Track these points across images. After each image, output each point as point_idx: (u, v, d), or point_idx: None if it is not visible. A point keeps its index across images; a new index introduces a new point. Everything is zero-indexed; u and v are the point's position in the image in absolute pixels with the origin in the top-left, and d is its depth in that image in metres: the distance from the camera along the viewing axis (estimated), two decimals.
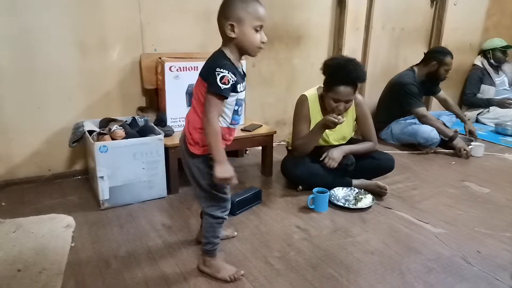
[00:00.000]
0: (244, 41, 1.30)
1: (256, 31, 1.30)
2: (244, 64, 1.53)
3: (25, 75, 2.15)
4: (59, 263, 1.55)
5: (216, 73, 1.26)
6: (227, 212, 1.47)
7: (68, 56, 2.23)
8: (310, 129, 2.20)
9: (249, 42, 1.30)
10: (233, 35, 1.29)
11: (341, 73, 2.02)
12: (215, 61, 1.30)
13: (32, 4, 2.08)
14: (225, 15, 1.29)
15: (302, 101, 2.23)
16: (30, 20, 2.09)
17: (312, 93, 2.24)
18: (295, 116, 2.25)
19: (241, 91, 1.36)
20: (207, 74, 1.29)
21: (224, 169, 1.31)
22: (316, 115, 2.22)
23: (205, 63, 1.34)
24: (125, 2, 2.31)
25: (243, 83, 1.38)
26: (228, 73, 1.27)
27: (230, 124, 1.39)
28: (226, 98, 1.30)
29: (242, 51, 1.34)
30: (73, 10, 2.18)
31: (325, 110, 2.20)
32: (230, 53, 1.33)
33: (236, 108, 1.37)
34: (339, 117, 2.02)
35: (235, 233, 1.78)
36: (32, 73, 2.16)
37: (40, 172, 2.32)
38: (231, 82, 1.28)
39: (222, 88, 1.26)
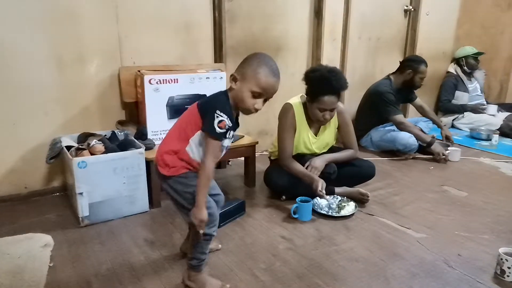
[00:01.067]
0: (239, 97, 1.32)
1: (253, 96, 1.30)
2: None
3: None
4: (37, 284, 1.49)
5: (216, 115, 1.26)
6: (215, 228, 1.43)
7: (44, 71, 2.18)
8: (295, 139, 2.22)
9: (241, 101, 1.31)
10: (233, 85, 1.32)
11: (325, 84, 2.06)
12: (218, 102, 1.31)
13: (7, 18, 2.03)
14: (239, 67, 1.34)
15: (287, 109, 2.24)
16: (4, 34, 2.05)
17: (296, 101, 2.26)
18: (280, 126, 2.25)
19: (229, 139, 1.35)
20: (206, 112, 1.29)
21: (201, 213, 1.32)
22: (301, 123, 2.24)
23: (208, 98, 1.37)
24: (102, 15, 2.28)
25: (233, 133, 1.38)
26: (227, 118, 1.28)
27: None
28: (221, 141, 1.31)
29: (236, 104, 1.35)
30: (49, 24, 2.15)
31: (309, 118, 2.23)
32: (231, 99, 1.34)
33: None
34: (324, 193, 2.04)
35: (220, 245, 1.76)
36: (7, 88, 2.11)
37: (16, 190, 2.25)
38: (227, 127, 1.28)
39: (219, 131, 1.27)
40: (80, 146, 2.01)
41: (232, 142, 2.37)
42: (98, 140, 2.04)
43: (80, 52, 2.26)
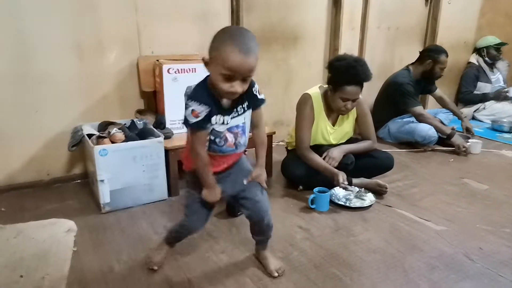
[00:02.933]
0: (213, 81, 1.20)
1: (225, 78, 1.16)
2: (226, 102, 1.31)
3: (22, 79, 2.14)
4: (62, 268, 1.53)
5: (187, 105, 1.22)
6: (189, 221, 1.47)
7: (65, 60, 2.22)
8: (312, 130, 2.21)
9: (216, 85, 1.19)
10: (206, 69, 1.22)
11: (351, 74, 2.03)
12: (192, 90, 1.26)
13: (29, 8, 2.07)
14: (208, 48, 1.20)
15: (305, 100, 2.21)
16: (26, 24, 2.08)
17: (315, 91, 2.23)
18: (299, 116, 2.23)
19: (216, 123, 1.26)
20: (185, 104, 1.24)
21: (209, 193, 1.36)
22: (319, 113, 2.22)
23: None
24: (122, 5, 2.30)
25: (225, 117, 1.27)
26: (199, 105, 1.20)
27: (209, 150, 1.32)
28: (202, 129, 1.24)
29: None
30: (70, 14, 2.18)
31: (328, 108, 2.22)
32: (211, 84, 1.24)
33: (212, 138, 1.30)
34: (346, 184, 2.05)
35: (276, 274, 1.52)
36: (29, 77, 2.15)
37: (39, 177, 2.31)
38: (201, 116, 1.20)
39: (191, 121, 1.21)
40: (101, 134, 2.05)
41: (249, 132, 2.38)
42: (118, 129, 2.08)
43: (100, 42, 2.29)
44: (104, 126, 2.20)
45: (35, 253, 1.62)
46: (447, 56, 3.13)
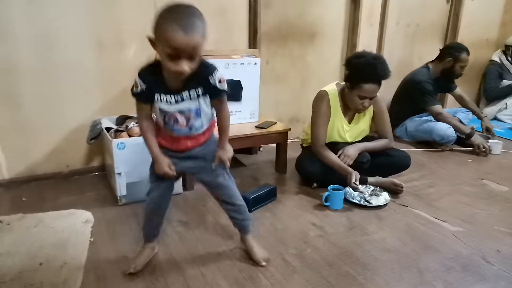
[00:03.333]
0: (161, 62, 1.19)
1: (170, 58, 1.14)
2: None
3: (44, 73, 2.19)
4: (79, 257, 1.58)
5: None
6: (149, 206, 1.52)
7: (86, 54, 2.26)
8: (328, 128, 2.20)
9: (164, 65, 1.19)
10: (154, 49, 1.19)
11: (370, 71, 2.01)
12: (141, 67, 1.30)
13: (52, 2, 2.11)
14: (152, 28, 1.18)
15: (322, 96, 2.20)
16: (49, 18, 2.13)
17: (332, 88, 2.22)
18: (315, 113, 2.22)
19: (158, 101, 1.29)
20: None
21: (156, 165, 1.41)
22: (336, 111, 2.21)
23: None
24: (141, 0, 2.32)
25: (172, 97, 1.28)
26: (139, 79, 1.26)
27: (164, 127, 1.36)
28: (141, 101, 1.32)
29: None
30: (91, 9, 2.21)
31: (344, 106, 2.20)
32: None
33: (162, 116, 1.33)
34: (358, 185, 2.04)
35: (263, 263, 1.56)
36: (51, 70, 2.20)
37: (59, 168, 2.37)
38: (139, 88, 1.27)
39: (132, 91, 1.30)
40: (119, 128, 2.08)
41: (265, 128, 2.38)
42: (136, 123, 2.10)
43: (120, 36, 2.32)
44: (122, 120, 2.24)
45: (54, 242, 1.67)
46: (468, 54, 3.06)
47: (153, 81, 1.27)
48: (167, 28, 1.10)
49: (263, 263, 1.56)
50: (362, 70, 2.04)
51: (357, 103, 2.10)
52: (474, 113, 3.32)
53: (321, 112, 2.18)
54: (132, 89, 1.31)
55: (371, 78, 2.03)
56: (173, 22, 1.10)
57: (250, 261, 1.58)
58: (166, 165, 1.40)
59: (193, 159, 1.44)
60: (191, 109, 1.32)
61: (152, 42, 1.17)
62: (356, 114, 2.26)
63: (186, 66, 1.16)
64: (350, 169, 2.09)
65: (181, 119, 1.33)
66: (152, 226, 1.57)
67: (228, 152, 1.45)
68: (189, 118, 1.34)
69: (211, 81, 1.28)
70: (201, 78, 1.27)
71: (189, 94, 1.30)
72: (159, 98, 1.30)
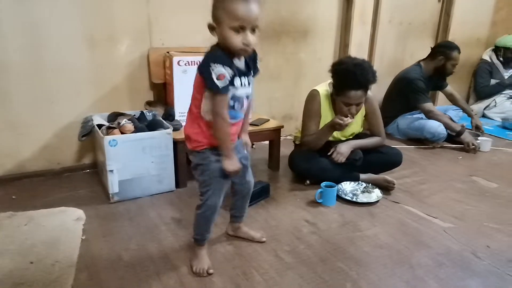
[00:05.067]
0: (225, 42, 1.23)
1: (237, 31, 1.20)
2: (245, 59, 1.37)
3: (34, 69, 2.16)
4: (71, 255, 1.56)
5: (211, 69, 1.21)
6: (207, 200, 1.42)
7: (77, 50, 2.23)
8: (320, 127, 2.20)
9: (229, 44, 1.22)
10: (214, 35, 1.25)
11: (351, 79, 2.00)
12: (210, 55, 1.26)
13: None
14: (211, 15, 1.25)
15: (313, 96, 2.21)
16: (39, 14, 2.10)
17: (323, 88, 2.22)
18: (305, 111, 2.24)
19: (238, 86, 1.29)
20: (203, 70, 1.25)
21: (231, 163, 1.36)
22: (326, 112, 2.21)
23: (203, 57, 1.29)
24: None
25: (243, 79, 1.31)
26: (223, 67, 1.21)
27: None
28: (227, 93, 1.26)
29: (229, 51, 1.25)
30: (82, 4, 2.18)
31: (335, 110, 2.21)
32: (224, 48, 1.26)
33: (232, 103, 1.31)
34: (346, 118, 2.01)
35: (264, 239, 1.70)
36: (41, 67, 2.17)
37: (50, 165, 2.34)
38: (228, 77, 1.23)
39: (220, 85, 1.22)
40: (111, 125, 2.06)
41: (258, 125, 2.39)
42: (128, 120, 2.09)
43: (111, 33, 2.29)
44: (114, 116, 2.22)
45: (45, 240, 1.65)
46: (459, 52, 3.09)
47: (231, 64, 1.25)
48: (230, 4, 1.18)
49: (264, 239, 1.69)
50: (343, 77, 2.03)
51: (343, 110, 2.08)
52: (464, 111, 3.37)
53: (311, 112, 2.21)
54: (215, 85, 1.22)
55: (352, 85, 2.00)
56: None
57: (243, 257, 1.57)
58: (238, 161, 1.38)
59: (235, 149, 1.44)
60: (251, 92, 1.38)
61: (212, 28, 1.24)
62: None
63: (251, 39, 1.22)
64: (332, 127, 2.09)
65: (245, 103, 1.38)
66: (208, 228, 1.50)
67: (248, 135, 1.55)
68: (249, 101, 1.40)
69: (257, 61, 1.38)
70: (253, 57, 1.36)
71: (252, 76, 1.36)
72: (237, 83, 1.28)
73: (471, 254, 1.65)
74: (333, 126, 2.06)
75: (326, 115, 2.21)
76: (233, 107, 1.33)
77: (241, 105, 1.36)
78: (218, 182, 1.41)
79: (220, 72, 1.21)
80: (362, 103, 2.10)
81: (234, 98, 1.31)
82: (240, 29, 1.20)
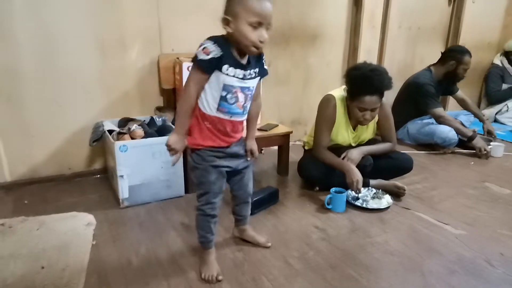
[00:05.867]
0: (239, 37, 1.24)
1: (254, 27, 1.22)
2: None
3: (47, 76, 2.19)
4: (82, 260, 1.57)
5: (201, 44, 1.25)
6: (206, 204, 1.43)
7: (88, 57, 2.27)
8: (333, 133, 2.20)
9: (244, 39, 1.23)
10: (228, 29, 1.25)
11: (367, 83, 1.99)
12: (211, 36, 1.27)
13: (53, 5, 2.12)
14: (225, 9, 1.26)
15: (328, 101, 2.17)
16: (51, 21, 2.13)
17: (339, 94, 2.19)
18: (319, 116, 2.20)
19: (228, 74, 1.28)
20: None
21: (172, 138, 1.34)
22: (341, 117, 2.19)
23: None
24: (144, 2, 2.33)
25: (240, 71, 1.30)
26: (213, 44, 1.23)
27: (218, 110, 1.32)
28: (206, 72, 1.26)
29: (239, 48, 1.28)
30: (93, 11, 2.22)
31: (350, 116, 2.19)
32: (232, 43, 1.28)
33: (224, 94, 1.30)
34: (360, 188, 2.04)
35: (269, 244, 1.70)
36: (54, 73, 2.20)
37: (61, 170, 2.37)
38: (212, 55, 1.23)
39: (199, 57, 1.24)
40: (121, 131, 2.08)
41: (267, 131, 2.39)
42: (138, 125, 2.11)
43: (122, 39, 2.32)
44: (124, 122, 2.24)
45: (56, 245, 1.67)
46: (470, 56, 3.06)
47: (226, 50, 1.26)
48: (250, 0, 1.21)
49: (269, 244, 1.69)
50: (358, 82, 2.02)
51: (358, 116, 2.08)
52: (475, 115, 3.32)
53: (326, 117, 2.17)
54: (196, 56, 1.25)
55: (368, 90, 2.00)
56: None
57: (253, 264, 1.57)
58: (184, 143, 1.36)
59: (236, 155, 1.45)
60: (250, 89, 1.36)
61: (227, 22, 1.24)
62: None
63: (266, 35, 1.25)
64: (352, 167, 2.07)
65: (241, 98, 1.34)
66: (211, 228, 1.49)
67: (255, 142, 1.52)
68: (247, 98, 1.37)
69: (263, 61, 1.39)
70: (258, 58, 1.37)
71: (253, 72, 1.35)
72: (228, 70, 1.27)
73: (484, 261, 1.62)
74: (348, 176, 2.05)
75: (341, 121, 2.20)
76: (225, 99, 1.31)
77: (234, 97, 1.32)
78: (214, 185, 1.41)
79: (206, 46, 1.24)
80: (377, 109, 2.08)
81: (225, 87, 1.30)
82: (258, 25, 1.22)
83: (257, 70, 1.37)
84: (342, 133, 2.23)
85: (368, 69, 2.02)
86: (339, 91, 2.22)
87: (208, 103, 1.32)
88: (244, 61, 1.32)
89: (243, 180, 1.54)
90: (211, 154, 1.39)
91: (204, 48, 1.24)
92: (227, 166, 1.43)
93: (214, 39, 1.26)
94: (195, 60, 1.26)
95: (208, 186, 1.41)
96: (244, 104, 1.36)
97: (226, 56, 1.26)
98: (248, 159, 1.51)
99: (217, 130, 1.36)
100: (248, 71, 1.33)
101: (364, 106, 2.03)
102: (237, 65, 1.30)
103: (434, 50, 3.50)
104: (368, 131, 2.30)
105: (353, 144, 2.29)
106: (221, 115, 1.34)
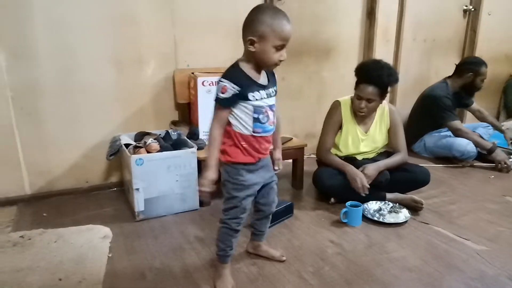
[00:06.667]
0: (262, 57, 1.30)
1: (277, 50, 1.29)
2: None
3: (66, 91, 2.25)
4: (98, 273, 1.58)
5: (218, 83, 1.32)
6: (234, 219, 1.44)
7: (105, 73, 2.32)
8: (341, 134, 2.28)
9: (267, 59, 1.30)
10: (252, 49, 1.29)
11: (363, 71, 2.14)
12: (226, 72, 1.34)
13: (73, 25, 2.19)
14: (249, 28, 1.29)
15: (335, 106, 2.31)
16: (71, 39, 2.20)
17: (345, 98, 2.31)
18: (326, 120, 2.34)
19: (256, 99, 1.34)
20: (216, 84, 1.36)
21: (204, 176, 1.35)
22: (348, 119, 2.28)
23: None
24: (160, 19, 2.39)
25: (264, 92, 1.36)
26: (229, 82, 1.29)
27: (254, 132, 1.37)
28: (227, 107, 1.32)
29: (259, 64, 1.34)
30: (110, 28, 2.28)
31: (354, 113, 2.26)
32: (246, 64, 1.34)
33: (256, 116, 1.35)
34: (366, 190, 2.08)
35: (284, 258, 1.69)
36: (72, 88, 2.27)
37: (78, 184, 2.41)
38: (231, 92, 1.29)
39: (219, 97, 1.31)
40: (137, 144, 2.11)
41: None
42: (154, 139, 2.14)
43: (138, 55, 2.38)
44: (140, 136, 2.28)
45: (73, 258, 1.69)
46: (486, 67, 3.03)
47: (244, 81, 1.32)
48: (280, 23, 1.26)
49: (284, 258, 1.68)
50: (358, 71, 2.17)
51: (356, 103, 2.18)
52: (494, 127, 3.26)
53: (331, 120, 2.30)
54: (216, 96, 1.32)
55: (365, 79, 2.12)
56: (283, 18, 1.28)
57: (267, 278, 1.55)
58: (213, 182, 1.36)
59: (266, 167, 1.50)
60: (274, 106, 1.42)
61: (253, 41, 1.28)
62: (373, 124, 2.27)
63: (285, 54, 1.32)
64: (349, 165, 2.14)
65: (271, 116, 1.40)
66: (234, 244, 1.51)
67: (281, 152, 1.60)
68: (274, 114, 1.43)
69: (276, 78, 1.45)
70: (273, 76, 1.44)
71: (273, 90, 1.41)
72: (254, 96, 1.34)
73: (507, 279, 1.56)
74: (349, 176, 2.11)
75: (348, 123, 2.28)
76: (258, 120, 1.37)
77: (266, 117, 1.38)
78: (244, 201, 1.43)
79: (224, 85, 1.30)
80: (374, 101, 2.14)
81: (256, 110, 1.35)
82: (281, 47, 1.29)
83: (275, 87, 1.43)
84: (352, 135, 2.28)
85: (371, 61, 2.21)
86: (346, 97, 2.31)
87: (244, 126, 1.37)
88: (264, 81, 1.38)
89: (270, 193, 1.57)
90: (244, 168, 1.41)
91: (222, 87, 1.30)
92: (259, 183, 1.47)
93: (229, 76, 1.31)
94: (216, 100, 1.33)
95: (237, 201, 1.43)
96: (273, 120, 1.43)
97: (246, 86, 1.31)
98: (276, 168, 1.56)
99: (253, 148, 1.40)
100: (270, 89, 1.39)
101: (360, 93, 2.14)
102: (259, 87, 1.35)
103: (449, 62, 3.46)
104: (381, 134, 2.30)
105: (366, 150, 2.29)
106: (257, 135, 1.39)
